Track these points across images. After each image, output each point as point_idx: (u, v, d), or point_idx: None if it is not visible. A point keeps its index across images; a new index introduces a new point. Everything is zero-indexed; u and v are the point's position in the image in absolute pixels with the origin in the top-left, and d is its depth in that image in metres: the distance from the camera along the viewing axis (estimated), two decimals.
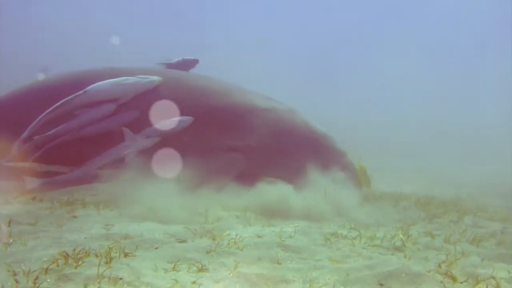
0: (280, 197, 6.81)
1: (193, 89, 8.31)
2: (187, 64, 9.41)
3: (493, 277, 4.00)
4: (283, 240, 5.19)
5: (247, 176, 7.67)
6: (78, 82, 7.96)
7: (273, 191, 7.12)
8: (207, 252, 4.63)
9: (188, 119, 7.56)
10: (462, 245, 5.37)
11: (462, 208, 8.34)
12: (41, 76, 9.94)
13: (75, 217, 5.90)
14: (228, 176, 7.48)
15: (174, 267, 4.09)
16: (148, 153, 7.49)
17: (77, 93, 7.55)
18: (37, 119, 7.63)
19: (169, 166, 7.19)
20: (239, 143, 7.89)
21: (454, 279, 3.97)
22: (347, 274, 4.10)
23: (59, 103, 7.57)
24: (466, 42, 27.49)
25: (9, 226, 5.13)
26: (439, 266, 4.30)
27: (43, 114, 7.61)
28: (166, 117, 7.55)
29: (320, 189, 7.21)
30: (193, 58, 9.45)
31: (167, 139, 7.53)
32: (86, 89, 7.61)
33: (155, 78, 7.96)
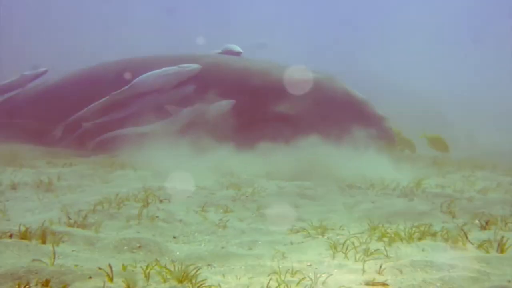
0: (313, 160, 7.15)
1: (237, 71, 8.91)
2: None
3: (490, 214, 4.41)
4: (302, 190, 5.69)
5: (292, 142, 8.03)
6: (125, 70, 8.76)
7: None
8: (233, 200, 5.17)
9: (230, 102, 8.18)
10: (470, 194, 5.75)
11: (476, 164, 8.64)
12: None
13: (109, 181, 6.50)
14: (277, 141, 7.96)
15: (203, 209, 4.65)
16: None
17: (125, 88, 8.26)
18: (87, 108, 8.41)
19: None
20: (286, 112, 8.38)
21: (453, 215, 4.40)
22: (358, 214, 4.58)
23: (109, 96, 8.33)
24: (460, 36, 26.56)
25: (58, 181, 5.79)
26: (441, 206, 4.73)
27: (93, 104, 8.40)
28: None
29: (356, 153, 7.60)
30: (238, 50, 9.77)
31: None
32: (132, 82, 8.32)
33: (195, 66, 8.54)
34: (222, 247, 3.54)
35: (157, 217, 4.26)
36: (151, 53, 10.18)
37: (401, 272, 2.77)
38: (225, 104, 8.07)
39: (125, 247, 3.35)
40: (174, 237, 3.83)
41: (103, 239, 3.48)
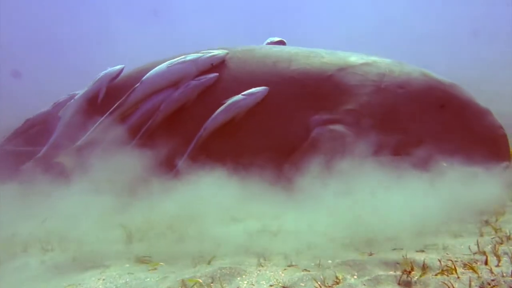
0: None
1: (266, 59, 6.63)
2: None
3: None
4: None
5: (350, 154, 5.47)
6: None
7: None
8: None
9: (264, 89, 6.06)
10: None
11: None
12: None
13: None
14: (334, 157, 5.37)
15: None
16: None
17: (133, 88, 6.46)
18: (102, 118, 6.49)
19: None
20: (336, 112, 5.97)
21: None
22: None
23: (117, 103, 6.47)
24: (459, 30, 24.80)
25: None
26: None
27: (106, 114, 6.48)
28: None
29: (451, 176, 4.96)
30: (278, 39, 7.96)
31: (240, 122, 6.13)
32: (142, 80, 6.50)
33: (221, 52, 6.71)
34: None
35: None
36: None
37: None
38: (258, 93, 6.10)
39: None
40: None
41: None
